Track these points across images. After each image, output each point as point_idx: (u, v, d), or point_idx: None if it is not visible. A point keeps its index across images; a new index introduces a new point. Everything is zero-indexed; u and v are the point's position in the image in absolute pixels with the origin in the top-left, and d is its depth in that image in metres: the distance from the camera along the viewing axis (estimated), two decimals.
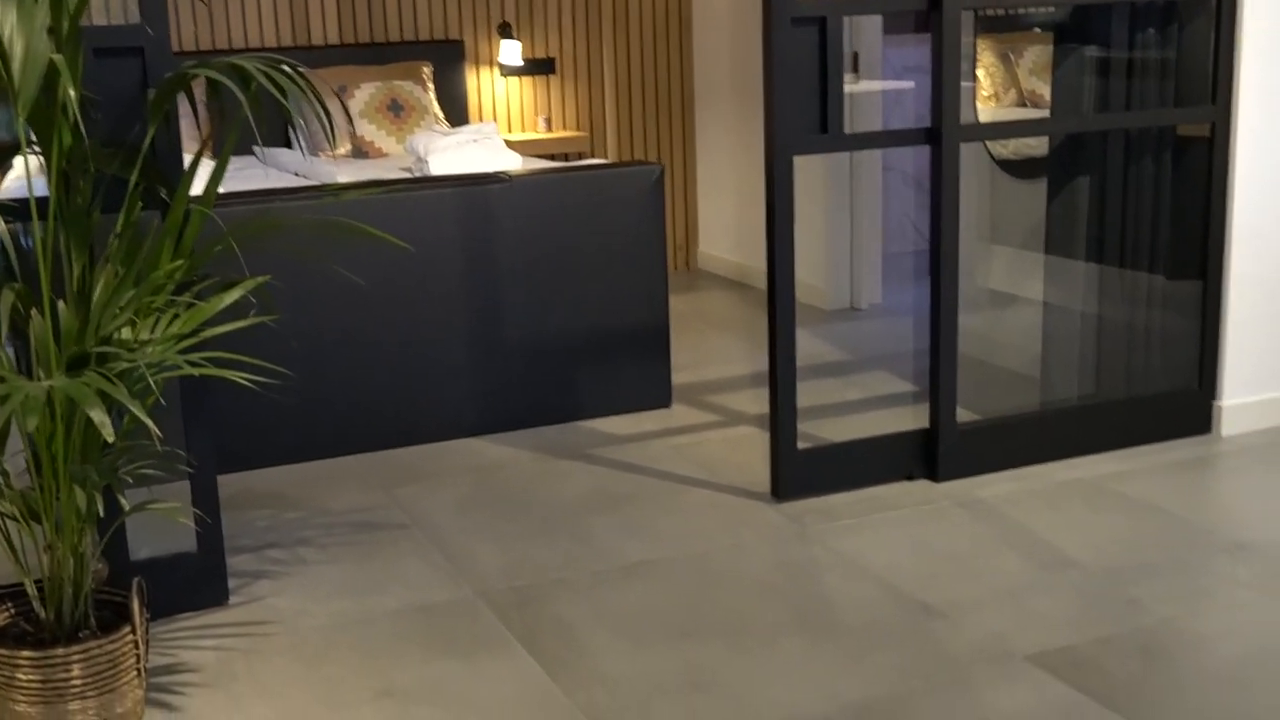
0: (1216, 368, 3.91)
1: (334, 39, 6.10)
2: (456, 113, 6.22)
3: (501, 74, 6.41)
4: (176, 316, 2.48)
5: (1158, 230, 4.00)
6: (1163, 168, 3.96)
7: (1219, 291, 3.86)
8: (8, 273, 2.51)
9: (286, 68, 2.52)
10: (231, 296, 2.56)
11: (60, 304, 2.41)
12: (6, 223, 2.50)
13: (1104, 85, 4.03)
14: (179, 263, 2.46)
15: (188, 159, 2.75)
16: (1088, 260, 4.17)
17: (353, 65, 5.95)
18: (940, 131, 3.45)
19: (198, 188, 2.61)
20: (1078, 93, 4.14)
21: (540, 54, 6.47)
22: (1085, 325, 4.22)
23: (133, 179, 2.49)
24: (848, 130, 3.44)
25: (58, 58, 2.22)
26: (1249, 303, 3.88)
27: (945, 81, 3.43)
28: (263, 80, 2.44)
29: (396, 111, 5.86)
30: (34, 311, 2.29)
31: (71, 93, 2.21)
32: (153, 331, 2.47)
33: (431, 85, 6.06)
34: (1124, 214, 4.05)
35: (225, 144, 2.60)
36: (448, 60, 6.26)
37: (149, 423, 2.11)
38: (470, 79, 6.38)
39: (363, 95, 5.81)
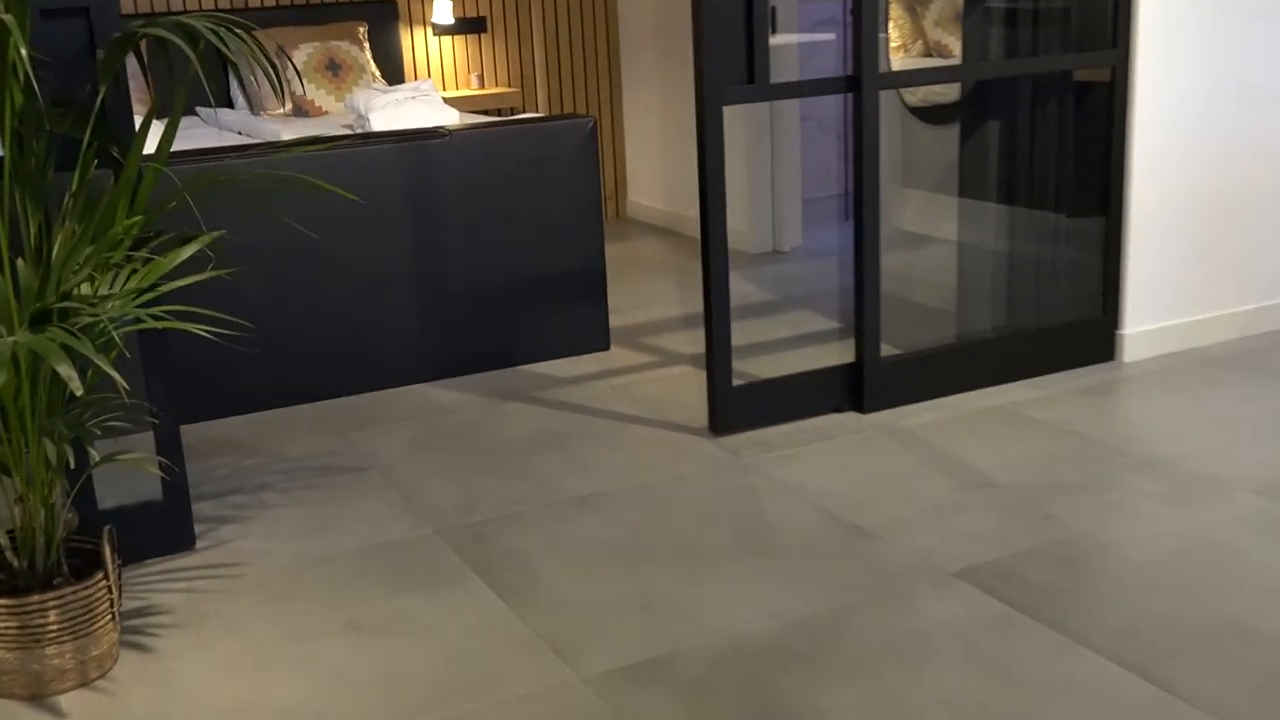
0: (1119, 298, 3.97)
1: (271, 0, 5.95)
2: (392, 71, 6.12)
3: (434, 33, 6.30)
4: (135, 271, 2.42)
5: (1063, 170, 4.05)
6: (1066, 111, 4.00)
7: (1120, 227, 3.91)
8: None
9: (234, 27, 2.45)
10: (187, 251, 2.49)
11: (19, 262, 2.35)
12: None
13: (1010, 34, 4.05)
14: (135, 219, 2.39)
15: (138, 119, 2.68)
16: (997, 201, 4.21)
17: (290, 26, 5.81)
18: (860, 80, 3.44)
19: (149, 146, 2.54)
20: (986, 41, 4.16)
21: (471, 12, 6.37)
22: (996, 262, 4.27)
23: (85, 138, 2.41)
24: (772, 81, 3.42)
25: (7, 18, 2.14)
26: (1147, 237, 3.94)
27: (864, 32, 3.42)
28: (211, 38, 2.37)
29: (335, 71, 5.74)
30: None
31: (23, 51, 2.12)
32: (112, 287, 2.41)
33: (367, 44, 5.94)
34: (1031, 156, 4.09)
35: (175, 103, 2.53)
36: (382, 19, 6.14)
37: (115, 375, 2.06)
38: (405, 38, 6.27)
39: (301, 55, 5.69)
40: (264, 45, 2.53)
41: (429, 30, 6.29)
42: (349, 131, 4.88)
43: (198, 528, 3.01)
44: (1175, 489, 3.06)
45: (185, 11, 5.56)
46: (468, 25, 6.34)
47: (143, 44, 2.52)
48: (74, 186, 2.44)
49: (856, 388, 3.65)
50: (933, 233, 4.64)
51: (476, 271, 4.14)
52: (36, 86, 2.25)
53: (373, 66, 5.91)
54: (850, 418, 3.62)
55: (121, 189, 2.41)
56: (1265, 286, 4.20)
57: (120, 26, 2.62)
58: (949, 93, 4.51)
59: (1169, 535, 2.81)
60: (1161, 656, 2.30)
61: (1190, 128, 3.92)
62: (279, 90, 5.28)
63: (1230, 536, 2.79)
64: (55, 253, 2.36)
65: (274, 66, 2.55)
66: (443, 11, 6.13)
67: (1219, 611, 2.46)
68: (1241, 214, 4.08)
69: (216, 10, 5.72)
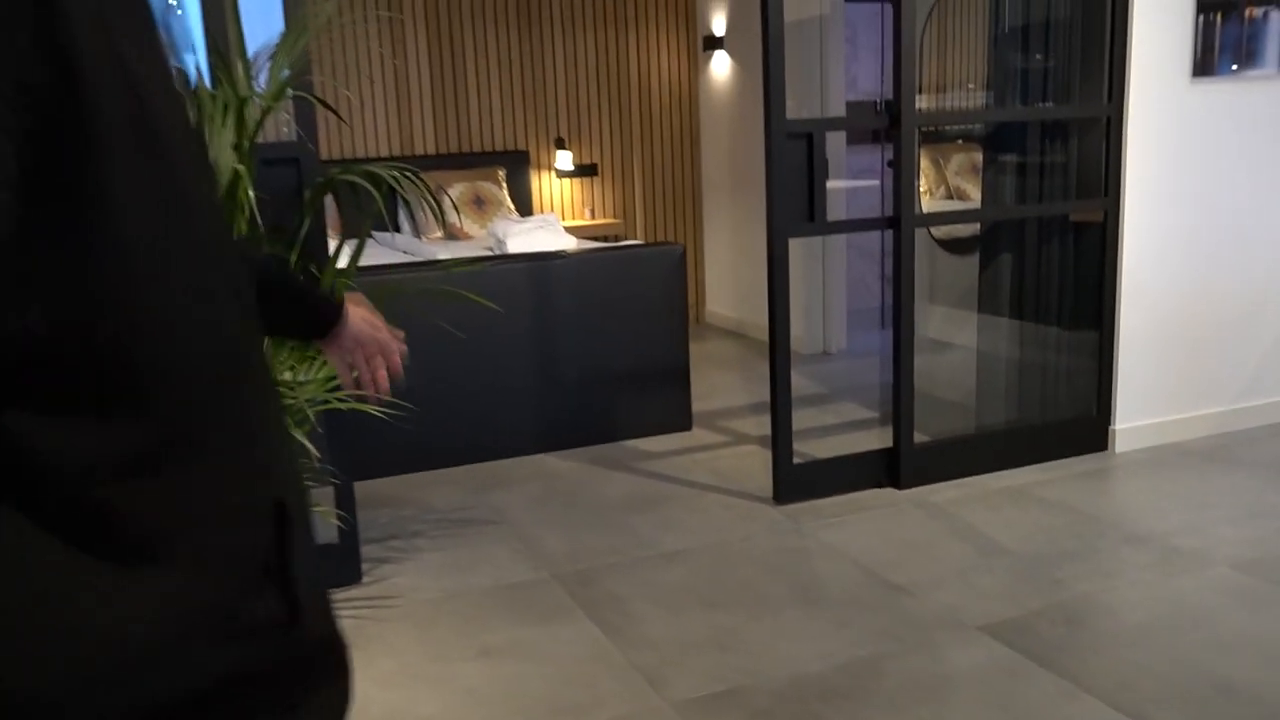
0: (1111, 399, 3.87)
1: (431, 150, 6.13)
2: (523, 205, 6.24)
3: (557, 176, 6.42)
4: (325, 363, 2.48)
5: (1064, 292, 3.98)
6: (1067, 245, 3.94)
7: (1112, 340, 3.83)
8: None
9: (408, 172, 2.53)
10: None
11: None
12: None
13: (1020, 182, 4.02)
14: None
15: (331, 242, 2.76)
16: (1010, 316, 4.14)
17: (447, 170, 5.97)
18: (900, 219, 3.44)
19: (341, 263, 2.62)
20: (1000, 188, 4.13)
21: (586, 160, 6.49)
22: (1009, 367, 4.19)
23: (293, 257, 2.49)
24: (828, 219, 3.42)
25: (240, 168, 2.23)
26: (1135, 348, 3.85)
27: (903, 180, 3.42)
28: (391, 183, 2.45)
29: (479, 204, 5.87)
30: None
31: (251, 194, 2.21)
32: (307, 374, 2.47)
33: (505, 184, 6.08)
34: (1038, 280, 4.03)
35: (363, 230, 2.61)
36: (517, 165, 6.28)
37: (309, 446, 2.10)
38: (534, 180, 6.40)
39: (454, 191, 5.83)
40: (429, 186, 2.61)
41: (553, 174, 6.42)
42: (490, 253, 4.98)
43: (364, 565, 3.04)
44: (1163, 560, 2.94)
45: (369, 160, 5.76)
46: (583, 170, 6.46)
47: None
48: None
49: (894, 467, 3.58)
50: (955, 341, 4.57)
51: (586, 363, 4.16)
52: (259, 218, 2.34)
53: (509, 201, 6.03)
54: (888, 492, 3.55)
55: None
56: (1236, 391, 4.06)
57: (322, 172, 2.72)
58: (969, 228, 4.47)
59: (1158, 600, 2.70)
60: (1152, 703, 2.20)
61: (1171, 259, 3.84)
62: (439, 219, 5.39)
63: (1211, 602, 2.67)
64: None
65: (437, 202, 2.63)
66: (564, 160, 6.26)
67: (1201, 667, 2.35)
68: (1215, 330, 3.98)
69: (391, 158, 5.91)
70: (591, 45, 6.36)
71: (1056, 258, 3.96)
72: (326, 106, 2.26)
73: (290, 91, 2.33)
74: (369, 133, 5.96)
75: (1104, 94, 3.69)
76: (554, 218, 5.51)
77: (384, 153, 5.99)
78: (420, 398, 3.76)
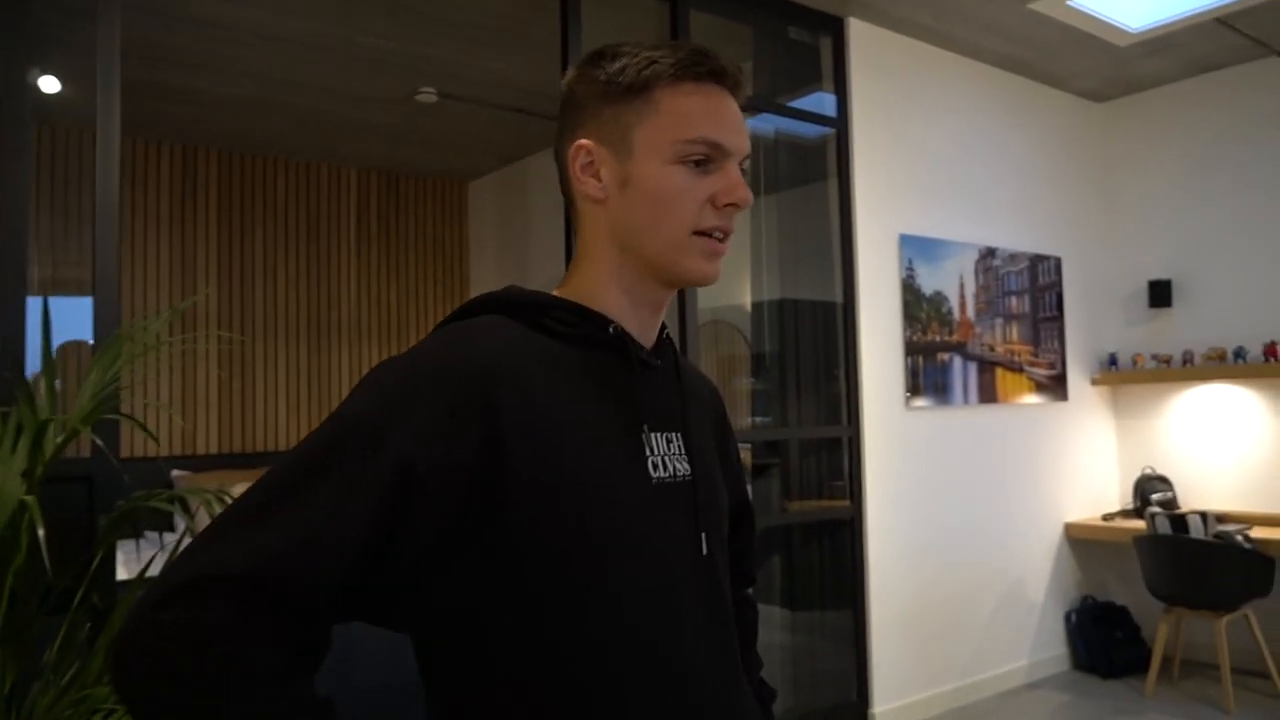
0: (868, 683, 3.76)
1: (214, 449, 5.50)
2: None
3: None
4: (113, 712, 1.89)
5: (824, 586, 3.93)
6: (824, 545, 3.94)
7: (865, 628, 3.77)
8: None
9: (217, 494, 2.11)
10: None
11: None
12: None
13: (785, 484, 4.03)
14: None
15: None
16: (781, 607, 4.02)
17: (229, 469, 5.34)
18: None
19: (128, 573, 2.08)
20: (770, 491, 4.12)
21: None
22: (782, 655, 4.02)
23: (79, 595, 1.95)
24: None
25: (29, 499, 1.74)
26: (884, 634, 3.81)
27: None
28: (203, 506, 2.02)
29: None
30: None
31: (40, 532, 1.72)
32: None
33: None
34: (805, 576, 3.97)
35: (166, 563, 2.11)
36: None
37: None
38: None
39: (236, 492, 5.17)
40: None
41: None
42: None
43: None
44: None
45: (148, 460, 5.05)
46: None
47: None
48: (59, 640, 1.93)
49: None
50: None
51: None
52: (46, 554, 1.82)
53: None
54: None
55: (104, 641, 1.93)
56: (960, 669, 4.08)
57: (119, 491, 2.23)
58: None
59: None
60: None
61: (907, 554, 3.92)
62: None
63: None
64: (35, 701, 1.82)
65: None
66: None
67: None
68: (944, 615, 4.03)
69: (171, 457, 5.22)
70: (374, 358, 6.11)
71: (815, 557, 3.94)
72: (143, 428, 1.86)
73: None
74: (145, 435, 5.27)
75: (844, 417, 3.85)
76: None
77: (164, 452, 5.30)
78: None
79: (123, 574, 3.02)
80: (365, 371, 4.92)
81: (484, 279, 6.40)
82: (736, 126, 0.95)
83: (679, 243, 0.93)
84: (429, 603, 0.85)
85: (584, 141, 0.95)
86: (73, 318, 4.79)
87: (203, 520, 4.74)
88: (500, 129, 5.30)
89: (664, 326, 1.02)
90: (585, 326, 0.93)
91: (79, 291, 4.96)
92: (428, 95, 4.69)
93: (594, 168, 0.95)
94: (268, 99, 4.72)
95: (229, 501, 2.05)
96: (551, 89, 4.20)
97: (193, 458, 5.34)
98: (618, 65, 0.93)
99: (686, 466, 0.95)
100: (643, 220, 0.93)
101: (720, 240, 0.95)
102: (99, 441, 2.11)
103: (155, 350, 2.09)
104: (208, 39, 3.98)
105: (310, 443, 0.83)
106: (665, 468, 0.93)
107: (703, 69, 0.93)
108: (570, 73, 0.97)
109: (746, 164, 0.97)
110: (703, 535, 0.93)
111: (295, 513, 0.78)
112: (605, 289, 0.96)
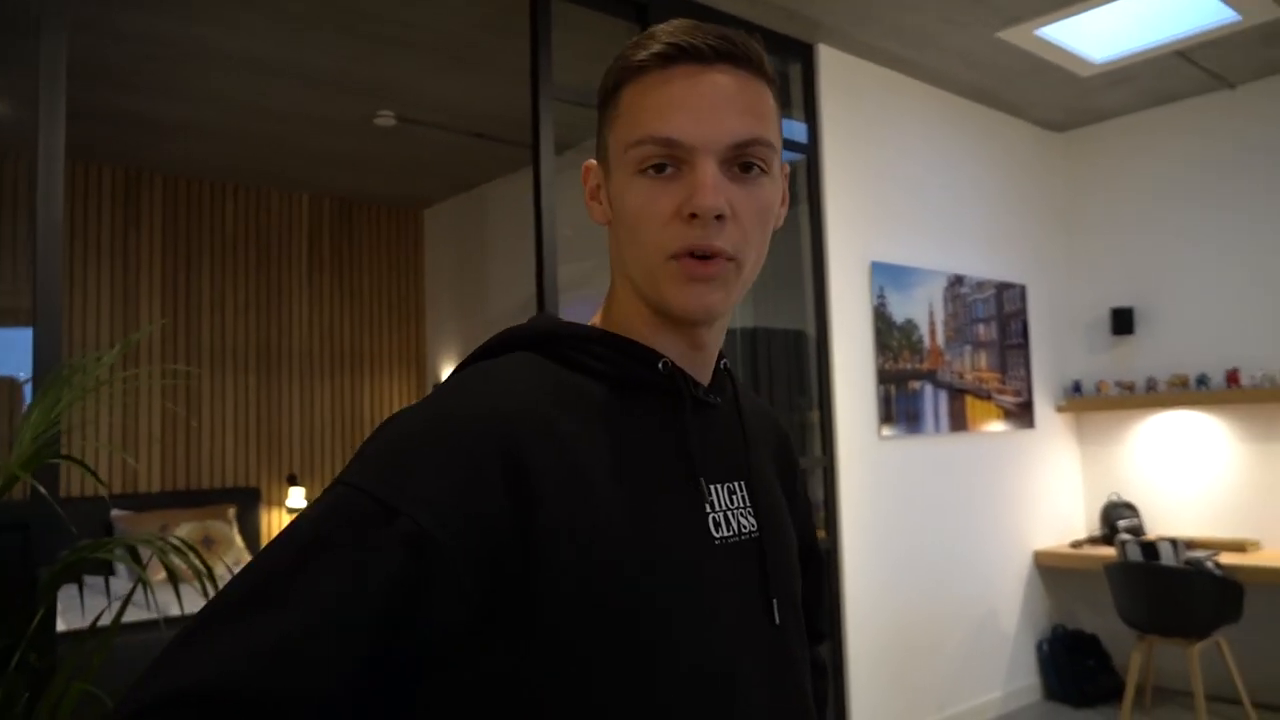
0: (846, 717, 3.67)
1: (156, 487, 5.24)
2: (255, 544, 5.39)
3: (288, 513, 5.68)
4: None
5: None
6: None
7: (842, 659, 3.68)
8: None
9: (169, 542, 1.94)
10: None
11: None
12: None
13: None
14: None
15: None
16: None
17: (173, 508, 5.09)
18: None
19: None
20: None
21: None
22: None
23: (15, 658, 1.77)
24: None
25: None
26: (862, 665, 3.73)
27: None
28: (158, 555, 1.85)
29: (209, 545, 4.97)
30: None
31: None
32: None
33: (235, 522, 5.25)
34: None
35: (114, 621, 1.93)
36: (248, 502, 5.49)
37: None
38: (264, 517, 5.60)
39: (182, 531, 4.92)
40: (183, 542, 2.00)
41: (285, 511, 5.67)
42: None
43: None
44: None
45: (89, 499, 4.78)
46: None
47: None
48: None
49: None
50: None
51: None
52: None
53: (239, 540, 5.18)
54: None
55: (45, 708, 1.75)
56: (937, 702, 4.02)
57: (60, 538, 2.04)
58: None
59: None
60: None
61: (885, 588, 3.84)
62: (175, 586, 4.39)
63: None
64: None
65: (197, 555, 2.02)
66: (296, 497, 5.57)
67: None
68: (920, 645, 3.96)
69: (111, 497, 4.96)
70: (327, 389, 5.91)
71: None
72: (90, 472, 1.70)
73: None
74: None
75: (818, 447, 3.78)
76: None
77: (104, 492, 5.02)
78: None
79: (61, 625, 2.80)
80: (316, 404, 4.71)
81: (440, 308, 6.25)
82: (705, 111, 0.75)
83: (653, 270, 0.78)
84: (458, 685, 0.72)
85: (591, 162, 0.85)
86: (4, 350, 4.52)
87: (155, 569, 4.45)
88: (459, 154, 5.18)
89: (722, 356, 0.89)
90: (629, 364, 0.81)
91: (13, 322, 4.70)
92: (386, 119, 4.56)
93: (600, 190, 0.84)
94: (216, 121, 4.55)
95: (184, 551, 1.90)
96: (512, 113, 4.10)
97: (134, 496, 5.07)
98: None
99: (753, 522, 0.84)
100: (625, 246, 0.80)
101: (702, 260, 0.76)
102: (40, 488, 1.94)
103: (101, 388, 1.93)
104: (152, 58, 3.81)
105: (312, 513, 0.71)
106: (728, 525, 0.81)
107: (672, 49, 0.76)
108: None
109: (755, 151, 0.77)
110: (774, 601, 0.83)
111: (289, 608, 0.66)
112: (638, 320, 0.82)
